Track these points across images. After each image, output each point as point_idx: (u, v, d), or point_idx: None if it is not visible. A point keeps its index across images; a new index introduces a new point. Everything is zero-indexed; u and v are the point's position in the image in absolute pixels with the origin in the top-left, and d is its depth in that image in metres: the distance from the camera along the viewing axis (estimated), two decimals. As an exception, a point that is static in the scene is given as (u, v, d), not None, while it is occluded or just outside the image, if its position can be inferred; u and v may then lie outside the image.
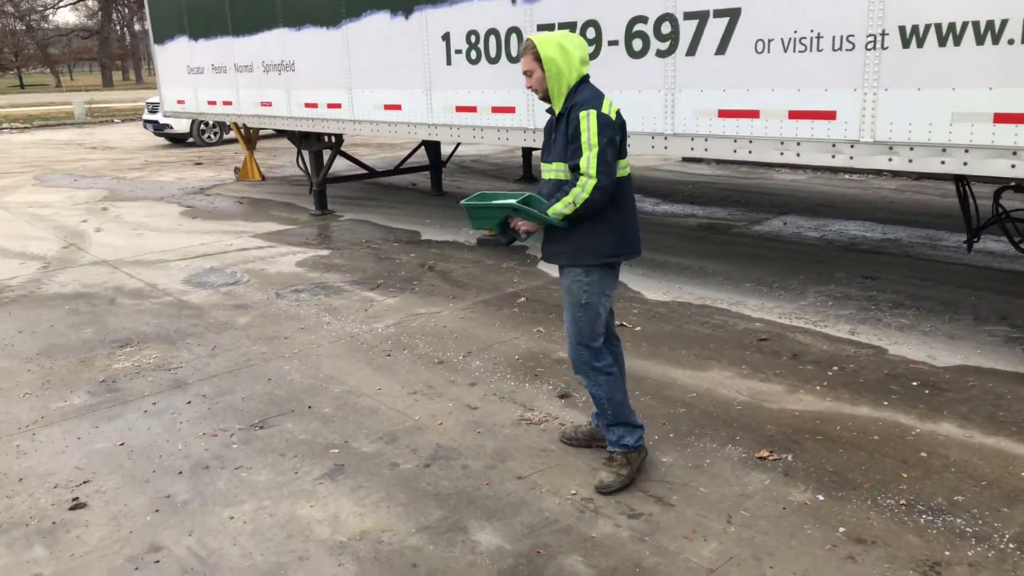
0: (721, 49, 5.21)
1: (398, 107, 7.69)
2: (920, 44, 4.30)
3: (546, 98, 3.22)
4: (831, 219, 8.28)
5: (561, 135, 3.15)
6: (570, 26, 6.07)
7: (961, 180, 5.54)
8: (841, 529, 2.96)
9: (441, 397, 4.22)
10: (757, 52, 5.02)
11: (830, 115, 4.80)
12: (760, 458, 3.49)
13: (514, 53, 6.54)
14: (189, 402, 4.26)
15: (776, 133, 5.05)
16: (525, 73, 3.23)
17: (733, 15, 5.10)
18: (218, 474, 3.51)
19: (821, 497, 3.18)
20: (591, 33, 5.91)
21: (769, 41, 4.95)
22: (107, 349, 5.08)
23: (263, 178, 12.57)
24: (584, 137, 3.02)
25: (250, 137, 12.45)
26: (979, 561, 2.74)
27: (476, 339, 5.04)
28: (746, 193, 10.04)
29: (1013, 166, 4.07)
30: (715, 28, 5.20)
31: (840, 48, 4.65)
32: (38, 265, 7.34)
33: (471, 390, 4.30)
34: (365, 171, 10.81)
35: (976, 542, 2.85)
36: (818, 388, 4.19)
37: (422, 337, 5.12)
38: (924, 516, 3.02)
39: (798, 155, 5.01)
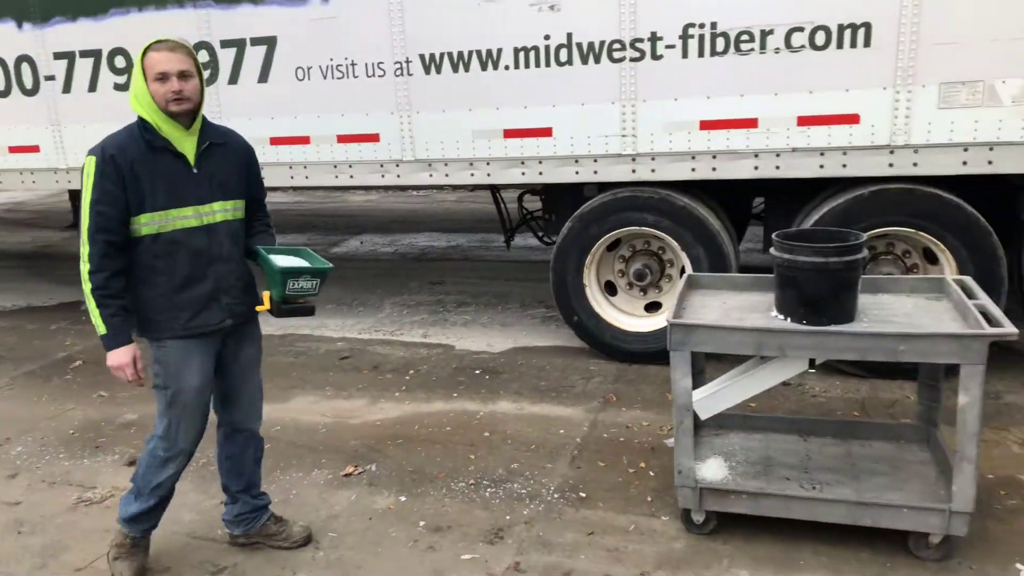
0: (263, 77, 5.19)
1: None
2: (439, 71, 4.80)
3: (192, 116, 2.58)
4: (403, 234, 8.85)
5: (235, 168, 2.74)
6: (95, 54, 5.49)
7: (494, 188, 6.32)
8: (421, 523, 3.14)
9: (-30, 499, 3.48)
10: (299, 79, 5.11)
11: (374, 138, 5.10)
12: (346, 475, 3.55)
13: (28, 85, 5.71)
14: None
15: (328, 157, 5.20)
16: (183, 74, 2.50)
17: (270, 44, 5.12)
18: None
19: (403, 498, 3.34)
20: (120, 62, 5.43)
21: (308, 69, 5.07)
22: None
23: None
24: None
25: None
26: (533, 517, 3.13)
27: (16, 421, 4.27)
28: (323, 217, 10.21)
29: (523, 174, 4.77)
30: (254, 57, 5.16)
31: (374, 75, 4.96)
32: None
33: (11, 483, 3.62)
34: None
35: (529, 501, 3.26)
36: (397, 394, 4.42)
37: (-60, 430, 4.17)
38: (489, 490, 3.36)
39: (351, 176, 5.21)
